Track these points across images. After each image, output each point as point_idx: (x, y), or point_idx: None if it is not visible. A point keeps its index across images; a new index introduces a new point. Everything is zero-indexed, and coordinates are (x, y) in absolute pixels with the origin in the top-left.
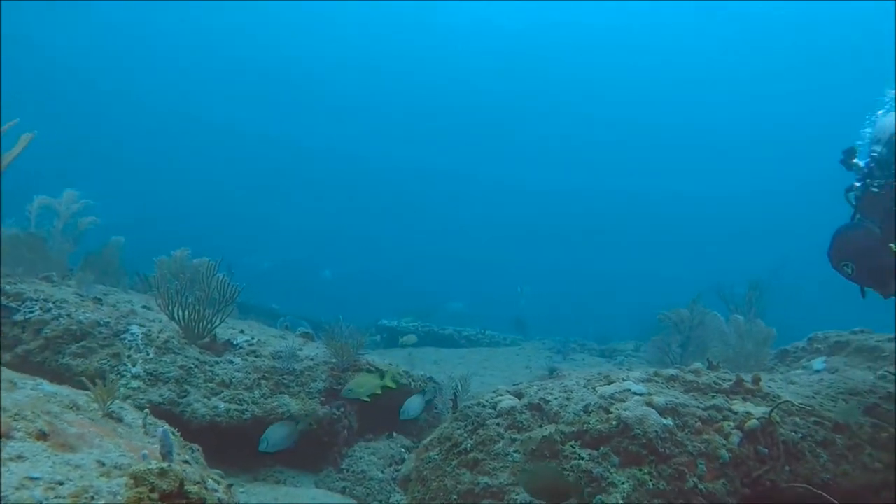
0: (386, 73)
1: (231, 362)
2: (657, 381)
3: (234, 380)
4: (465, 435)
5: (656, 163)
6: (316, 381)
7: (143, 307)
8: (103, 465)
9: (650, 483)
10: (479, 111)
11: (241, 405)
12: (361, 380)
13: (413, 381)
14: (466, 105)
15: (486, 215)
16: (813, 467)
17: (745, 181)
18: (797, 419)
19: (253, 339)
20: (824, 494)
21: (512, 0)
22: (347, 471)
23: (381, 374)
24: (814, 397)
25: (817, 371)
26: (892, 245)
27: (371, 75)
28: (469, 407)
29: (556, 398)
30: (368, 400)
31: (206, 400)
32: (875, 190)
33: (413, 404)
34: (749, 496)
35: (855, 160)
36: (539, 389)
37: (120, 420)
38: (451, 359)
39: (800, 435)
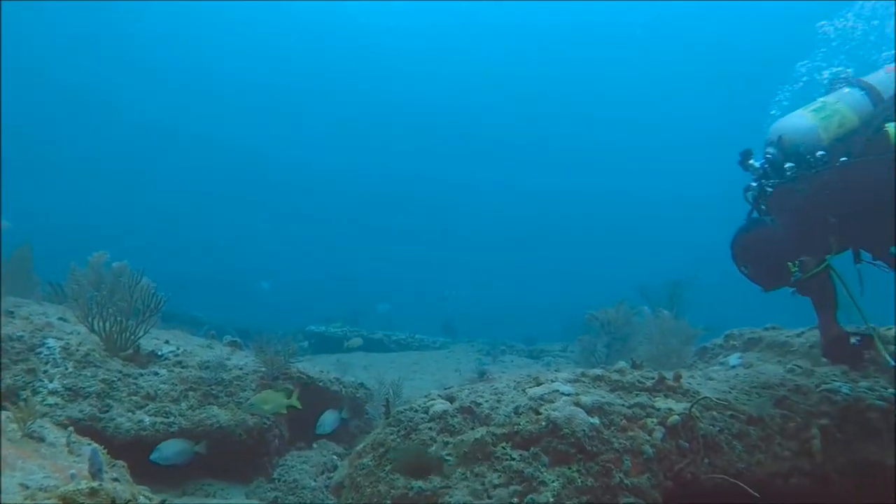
0: (328, 75)
1: (156, 374)
2: (584, 382)
3: (159, 392)
4: (398, 440)
5: (584, 162)
6: (245, 390)
7: (60, 319)
8: (27, 487)
9: (579, 480)
10: (407, 110)
11: (168, 418)
12: (267, 395)
13: (344, 387)
14: (395, 104)
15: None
16: (730, 458)
17: (672, 180)
18: (715, 413)
19: (178, 349)
20: (740, 483)
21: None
22: (279, 480)
23: (289, 393)
24: (730, 392)
25: (733, 366)
26: (791, 265)
27: (310, 78)
28: (401, 412)
29: (487, 401)
30: (271, 419)
31: (130, 414)
32: (769, 190)
33: (328, 420)
34: (672, 488)
35: (751, 161)
36: (470, 393)
37: (42, 440)
38: (381, 363)
39: (717, 428)
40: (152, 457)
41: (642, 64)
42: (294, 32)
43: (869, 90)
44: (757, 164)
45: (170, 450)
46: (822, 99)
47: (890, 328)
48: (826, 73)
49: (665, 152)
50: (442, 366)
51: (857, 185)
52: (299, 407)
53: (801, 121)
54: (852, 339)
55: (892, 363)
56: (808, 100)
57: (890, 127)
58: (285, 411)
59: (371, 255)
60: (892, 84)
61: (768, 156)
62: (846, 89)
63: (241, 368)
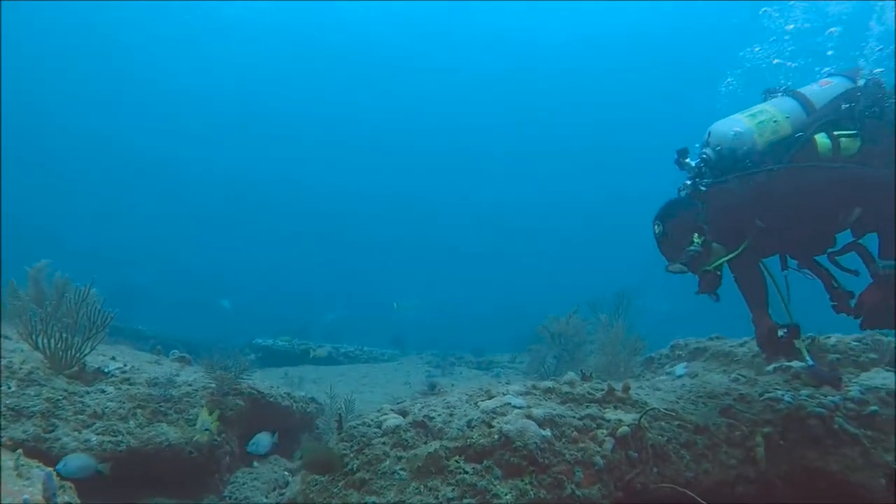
0: (273, 89)
1: (103, 392)
2: (535, 394)
3: (107, 410)
4: (352, 455)
5: (531, 170)
6: (195, 407)
7: (4, 337)
8: None
9: (531, 492)
10: (353, 121)
11: (116, 436)
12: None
13: (294, 402)
14: (339, 116)
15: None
16: (678, 467)
17: (623, 186)
18: (663, 423)
19: (126, 365)
20: (688, 492)
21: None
22: (230, 498)
23: (204, 426)
24: (677, 402)
25: (679, 376)
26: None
27: (254, 93)
28: (354, 427)
29: (439, 414)
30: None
31: (76, 433)
32: (703, 189)
33: (262, 441)
34: (622, 498)
35: (686, 160)
36: (423, 406)
37: None
38: (331, 376)
39: (665, 438)
40: (56, 467)
41: (596, 69)
42: (247, 46)
43: (803, 101)
44: (692, 164)
45: (74, 463)
46: (759, 106)
47: (829, 336)
48: (776, 61)
49: (618, 157)
50: (391, 378)
51: (782, 191)
52: (204, 440)
53: (737, 124)
54: (780, 332)
55: (811, 363)
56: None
57: (819, 137)
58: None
59: (325, 267)
60: (825, 96)
61: (704, 156)
62: (782, 97)
63: (190, 384)
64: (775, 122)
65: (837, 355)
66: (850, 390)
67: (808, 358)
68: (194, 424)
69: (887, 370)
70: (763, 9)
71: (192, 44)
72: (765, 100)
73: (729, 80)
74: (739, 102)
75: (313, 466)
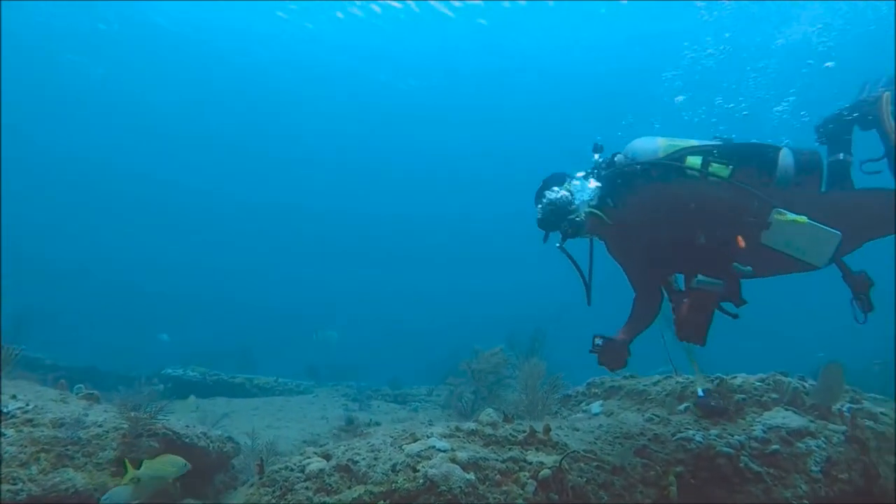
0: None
1: (2, 435)
2: (459, 436)
3: (6, 455)
4: (274, 501)
5: (447, 191)
6: (105, 449)
7: None
8: None
9: None
10: (263, 139)
11: (16, 484)
12: (151, 470)
13: (211, 442)
14: (247, 131)
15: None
16: None
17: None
18: (582, 465)
19: (28, 404)
20: None
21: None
22: None
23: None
24: (595, 442)
25: (595, 414)
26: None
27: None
28: (276, 471)
29: (363, 458)
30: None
31: None
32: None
33: (118, 495)
34: None
35: (597, 156)
36: (347, 449)
37: None
38: (245, 410)
39: (584, 479)
40: None
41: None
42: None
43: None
44: (599, 159)
45: None
46: (684, 139)
47: (735, 376)
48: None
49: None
50: (308, 413)
51: (653, 206)
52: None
53: (649, 143)
54: (597, 340)
55: (701, 394)
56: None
57: (691, 158)
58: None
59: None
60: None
61: (614, 157)
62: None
63: (100, 425)
64: (685, 147)
65: (743, 395)
66: (754, 430)
67: (699, 390)
68: (104, 469)
69: (786, 409)
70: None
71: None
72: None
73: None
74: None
75: None
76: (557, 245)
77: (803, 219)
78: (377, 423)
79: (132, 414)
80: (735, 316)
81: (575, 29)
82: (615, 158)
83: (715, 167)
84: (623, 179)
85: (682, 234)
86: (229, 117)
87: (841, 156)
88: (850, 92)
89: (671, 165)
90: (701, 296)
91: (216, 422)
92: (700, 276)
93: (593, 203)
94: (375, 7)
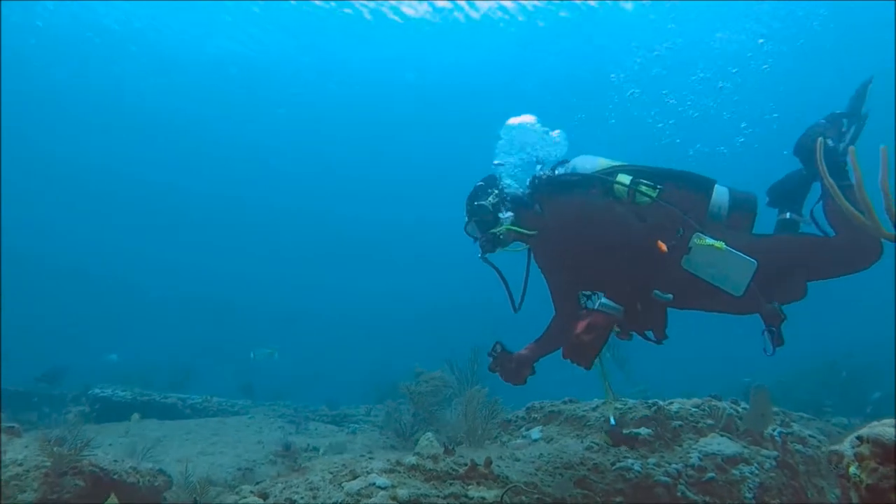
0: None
1: None
2: (399, 471)
3: None
4: None
5: (388, 197)
6: (25, 491)
7: None
8: None
9: None
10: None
11: None
12: None
13: (141, 476)
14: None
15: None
16: None
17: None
18: (524, 498)
19: None
20: None
21: None
22: None
23: None
24: (536, 474)
25: (535, 440)
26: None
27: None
28: None
29: (302, 497)
30: None
31: None
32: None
33: None
34: None
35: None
36: (284, 488)
37: None
38: (177, 434)
39: None
40: None
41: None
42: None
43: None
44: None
45: None
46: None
47: (671, 402)
48: None
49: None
50: (243, 437)
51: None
52: None
53: (590, 161)
54: (497, 347)
55: (613, 423)
56: None
57: (622, 175)
58: None
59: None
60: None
61: (556, 168)
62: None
63: (20, 464)
64: (625, 168)
65: (679, 422)
66: (691, 457)
67: (612, 419)
68: None
69: (721, 435)
70: None
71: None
72: None
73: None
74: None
75: None
76: (479, 256)
77: (721, 244)
78: (315, 448)
79: (55, 450)
80: (658, 342)
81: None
82: (556, 170)
83: (643, 188)
84: (551, 189)
85: (599, 251)
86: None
87: (787, 215)
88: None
89: (600, 179)
90: (598, 318)
91: (147, 450)
92: (603, 299)
93: (512, 219)
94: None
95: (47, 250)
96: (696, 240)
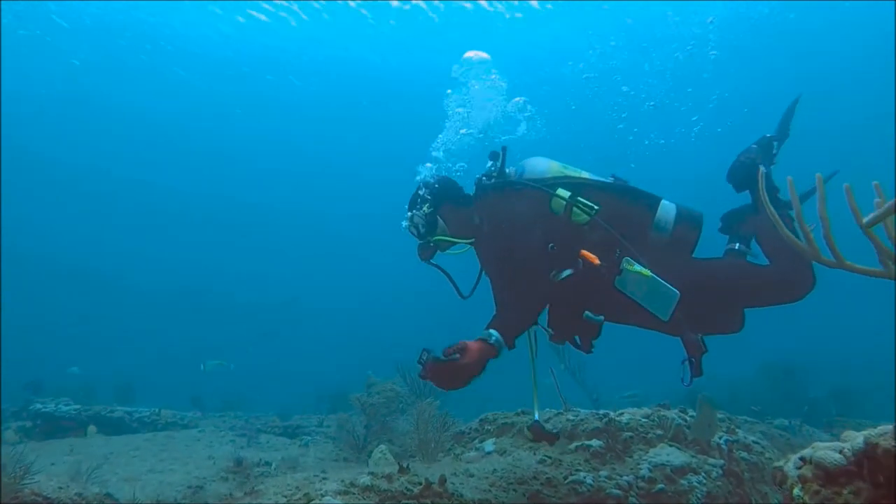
0: None
1: None
2: (354, 493)
3: None
4: None
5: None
6: None
7: None
8: None
9: None
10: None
11: None
12: None
13: (87, 503)
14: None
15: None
16: None
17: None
18: None
19: None
20: None
21: None
22: None
23: None
24: (490, 490)
25: (488, 452)
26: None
27: None
28: None
29: None
30: None
31: None
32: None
33: None
34: None
35: (492, 162)
36: None
37: None
38: (125, 451)
39: None
40: None
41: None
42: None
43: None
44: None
45: None
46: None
47: (622, 413)
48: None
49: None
50: (193, 452)
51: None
52: None
53: (542, 163)
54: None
55: (536, 419)
56: None
57: (562, 189)
58: None
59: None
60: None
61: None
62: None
63: None
64: (577, 176)
65: (630, 433)
66: (641, 469)
67: (535, 414)
68: None
69: (670, 445)
70: None
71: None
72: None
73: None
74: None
75: None
76: (420, 260)
77: (647, 272)
78: (268, 463)
79: None
80: (588, 351)
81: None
82: (506, 170)
83: (581, 206)
84: (492, 195)
85: (507, 264)
86: None
87: (736, 245)
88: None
89: (540, 190)
90: (472, 351)
91: (93, 470)
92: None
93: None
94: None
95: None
96: (625, 264)
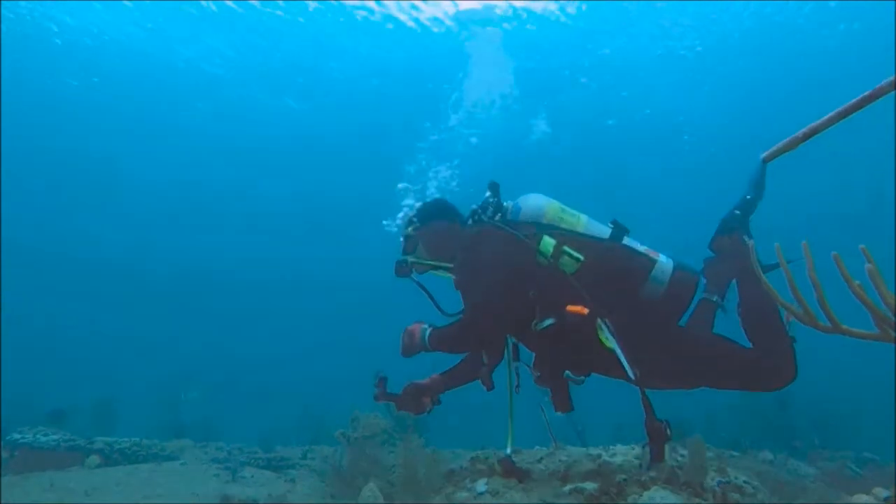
0: None
1: None
2: None
3: None
4: None
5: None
6: None
7: None
8: None
9: None
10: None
11: None
12: None
13: None
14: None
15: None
16: None
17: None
18: None
19: None
20: None
21: None
22: None
23: None
24: None
25: (481, 493)
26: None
27: None
28: None
29: None
30: None
31: None
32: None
33: None
34: None
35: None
36: None
37: None
38: (106, 486)
39: None
40: None
41: None
42: None
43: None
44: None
45: None
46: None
47: (614, 454)
48: None
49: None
50: (176, 487)
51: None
52: None
53: (539, 202)
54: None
55: (508, 453)
56: None
57: (547, 238)
58: None
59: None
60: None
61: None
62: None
63: None
64: (576, 218)
65: (624, 476)
66: None
67: (508, 449)
68: None
69: (664, 488)
70: None
71: None
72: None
73: None
74: None
75: None
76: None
77: (612, 345)
78: (255, 500)
79: None
80: (564, 410)
81: None
82: (504, 204)
83: (565, 259)
84: (484, 228)
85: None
86: None
87: (714, 298)
88: None
89: (522, 241)
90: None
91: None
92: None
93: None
94: None
95: None
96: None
